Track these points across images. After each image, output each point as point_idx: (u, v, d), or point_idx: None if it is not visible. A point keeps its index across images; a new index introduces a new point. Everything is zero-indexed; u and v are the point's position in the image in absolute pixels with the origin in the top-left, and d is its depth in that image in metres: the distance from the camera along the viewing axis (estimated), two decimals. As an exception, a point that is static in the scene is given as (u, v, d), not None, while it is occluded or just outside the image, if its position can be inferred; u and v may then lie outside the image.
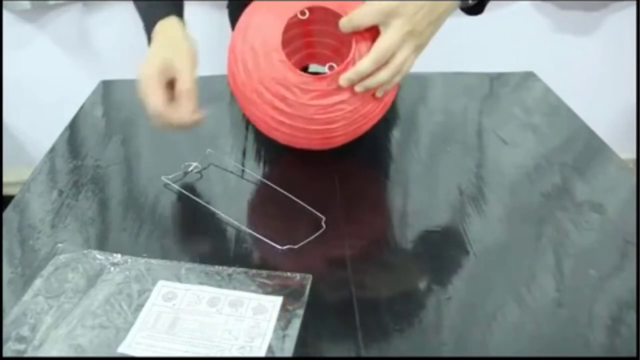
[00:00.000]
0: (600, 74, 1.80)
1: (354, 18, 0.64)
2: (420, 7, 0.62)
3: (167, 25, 0.77)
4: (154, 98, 0.69)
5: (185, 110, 0.68)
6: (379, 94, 0.68)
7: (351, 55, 0.65)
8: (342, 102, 0.66)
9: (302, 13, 0.68)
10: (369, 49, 0.64)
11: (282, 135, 0.71)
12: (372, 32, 0.65)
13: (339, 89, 0.65)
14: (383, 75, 0.64)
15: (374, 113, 0.70)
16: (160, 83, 0.69)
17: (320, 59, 0.81)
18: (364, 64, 0.63)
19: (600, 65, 1.79)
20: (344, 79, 0.64)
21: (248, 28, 0.69)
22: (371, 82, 0.65)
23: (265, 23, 0.68)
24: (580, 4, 1.70)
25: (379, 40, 0.63)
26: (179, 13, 0.81)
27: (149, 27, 0.78)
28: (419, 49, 0.65)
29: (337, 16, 0.66)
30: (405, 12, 0.62)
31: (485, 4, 0.73)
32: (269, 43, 0.66)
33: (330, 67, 0.66)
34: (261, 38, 0.67)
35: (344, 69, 0.64)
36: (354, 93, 0.66)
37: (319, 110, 0.66)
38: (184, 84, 0.69)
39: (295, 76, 0.65)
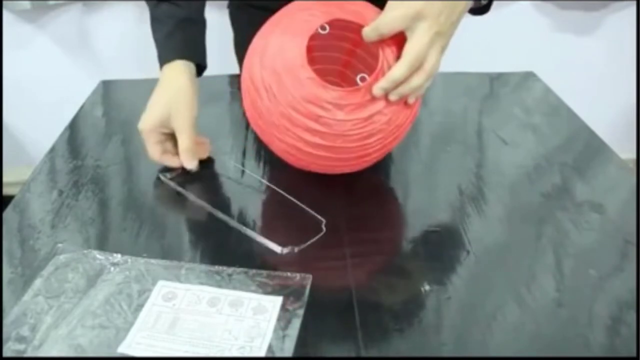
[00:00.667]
0: (600, 74, 1.80)
1: (380, 26, 0.62)
2: (444, 7, 0.61)
3: (172, 72, 0.78)
4: (150, 151, 0.75)
5: (186, 165, 0.74)
6: (411, 101, 0.65)
7: (380, 64, 0.63)
8: (377, 113, 0.63)
9: (323, 28, 0.65)
10: (395, 56, 0.63)
11: (316, 160, 0.67)
12: (398, 39, 0.63)
13: (373, 100, 0.63)
14: (417, 80, 0.62)
15: (406, 122, 0.68)
16: (157, 138, 0.75)
17: (328, 74, 0.76)
18: (398, 70, 0.61)
19: (600, 65, 1.79)
20: (377, 89, 0.62)
21: (265, 52, 0.65)
22: (405, 88, 0.63)
23: (285, 43, 0.64)
24: (580, 4, 1.70)
25: (409, 44, 0.62)
26: (194, 51, 0.80)
27: (160, 65, 0.79)
28: (444, 50, 0.64)
29: (352, 28, 0.65)
30: (431, 13, 0.61)
31: (491, 3, 0.73)
32: (293, 62, 0.63)
33: (362, 79, 0.64)
34: (283, 59, 0.63)
35: (376, 79, 0.62)
36: (388, 103, 0.63)
37: (355, 125, 0.63)
38: (182, 144, 0.74)
39: (328, 92, 0.62)
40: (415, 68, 0.62)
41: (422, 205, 0.70)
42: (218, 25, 1.30)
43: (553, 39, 1.76)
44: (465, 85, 0.99)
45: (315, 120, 0.63)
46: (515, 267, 0.60)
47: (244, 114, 0.72)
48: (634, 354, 0.50)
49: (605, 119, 1.34)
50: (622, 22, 1.73)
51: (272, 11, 0.69)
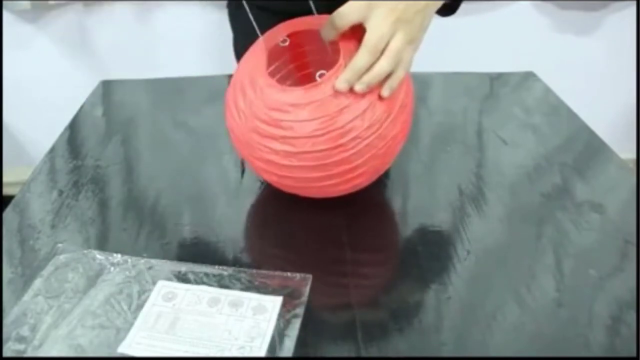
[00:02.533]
0: (600, 74, 1.80)
1: (334, 19, 0.60)
2: None
3: None
4: None
5: None
6: (384, 94, 0.60)
7: (341, 59, 0.60)
8: (345, 108, 0.59)
9: (283, 41, 0.65)
10: (357, 48, 0.59)
11: (295, 174, 0.63)
12: (358, 34, 0.60)
13: (337, 95, 0.59)
14: (381, 65, 0.58)
15: (388, 122, 0.61)
16: None
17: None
18: (358, 58, 0.58)
19: (600, 65, 1.79)
20: (340, 81, 0.58)
21: (236, 73, 0.66)
22: (370, 76, 0.59)
23: (249, 58, 0.65)
24: (580, 4, 1.70)
25: (368, 32, 0.59)
26: None
27: None
28: (414, 41, 0.61)
29: (314, 36, 0.64)
30: (387, 2, 0.58)
31: (459, 4, 0.72)
32: (254, 74, 0.62)
33: (321, 75, 0.61)
34: (247, 74, 0.63)
35: (336, 73, 0.59)
36: (356, 97, 0.59)
37: (322, 124, 0.59)
38: None
39: (287, 94, 0.60)
40: (377, 54, 0.58)
41: (422, 205, 0.70)
42: (218, 25, 1.31)
43: (553, 39, 1.76)
44: (465, 85, 0.99)
45: (279, 126, 0.60)
46: (515, 267, 0.60)
47: (257, 171, 0.71)
48: (634, 354, 0.50)
49: (605, 119, 1.34)
50: (622, 22, 1.73)
51: (272, 11, 0.69)
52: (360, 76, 0.59)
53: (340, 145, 0.60)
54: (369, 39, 0.59)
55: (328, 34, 0.62)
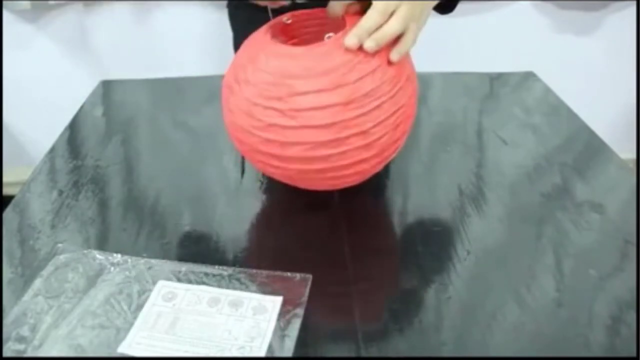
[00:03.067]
0: (600, 74, 1.80)
1: None
2: None
3: None
4: None
5: None
6: (394, 57, 0.59)
7: (348, 27, 0.59)
8: (356, 64, 0.58)
9: (287, 19, 0.65)
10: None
11: (295, 143, 0.60)
12: (363, 12, 0.60)
13: (347, 52, 0.58)
14: (393, 24, 0.58)
15: (397, 92, 0.60)
16: None
17: None
18: (369, 17, 0.58)
19: (600, 65, 1.79)
20: (350, 36, 0.58)
21: (235, 57, 0.65)
22: (381, 33, 0.58)
23: (249, 43, 0.65)
24: (580, 4, 1.70)
25: (375, 2, 0.59)
26: None
27: None
28: (415, 21, 0.61)
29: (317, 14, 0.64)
30: None
31: (456, 3, 0.72)
32: (257, 46, 0.62)
33: (330, 37, 0.61)
34: (249, 51, 0.63)
35: (345, 34, 0.58)
36: (365, 56, 0.58)
37: (330, 80, 0.57)
38: None
39: (294, 51, 0.59)
40: (386, 16, 0.59)
41: (422, 205, 0.70)
42: (218, 25, 1.31)
43: (553, 39, 1.76)
44: (465, 85, 0.99)
45: (284, 84, 0.58)
46: (515, 267, 0.60)
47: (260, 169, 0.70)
48: (634, 354, 0.50)
49: (605, 119, 1.34)
50: (622, 22, 1.73)
51: (272, 11, 0.69)
52: (369, 35, 0.59)
53: (352, 102, 0.58)
54: (378, 2, 0.59)
55: (334, 9, 0.62)
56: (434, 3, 0.65)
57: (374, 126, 0.59)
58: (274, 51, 0.61)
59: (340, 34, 0.59)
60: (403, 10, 0.59)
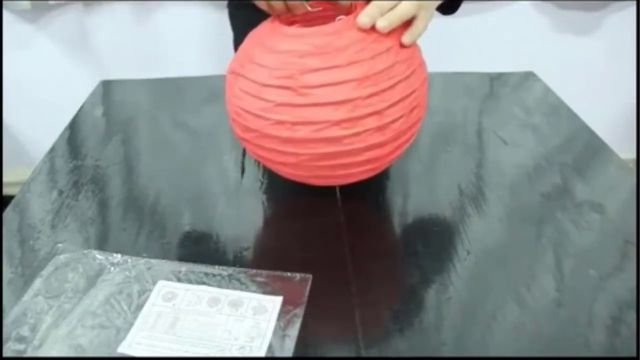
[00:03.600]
0: (600, 74, 1.80)
1: None
2: None
3: None
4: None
5: None
6: (406, 39, 0.60)
7: (357, 12, 0.59)
8: (370, 42, 0.58)
9: (312, 6, 0.64)
10: None
11: (304, 123, 0.58)
12: None
13: (361, 30, 0.58)
14: (406, 5, 0.59)
15: (410, 75, 0.60)
16: None
17: None
18: None
19: (600, 65, 1.79)
20: (363, 15, 0.58)
21: (240, 48, 0.65)
22: (395, 13, 0.59)
23: (255, 32, 0.65)
24: (580, 4, 1.70)
25: None
26: None
27: None
28: (425, 9, 0.61)
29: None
30: None
31: (459, 3, 0.72)
32: (266, 33, 0.62)
33: (340, 19, 0.61)
34: (256, 38, 0.63)
35: (356, 16, 0.58)
36: (378, 36, 0.58)
37: (347, 55, 0.57)
38: None
39: (307, 31, 0.59)
40: None
41: (422, 205, 0.70)
42: (218, 25, 1.31)
43: (553, 39, 1.76)
44: (465, 85, 0.99)
45: (296, 62, 0.58)
46: (515, 267, 0.60)
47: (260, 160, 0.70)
48: (634, 354, 0.50)
49: (605, 119, 1.34)
50: (622, 22, 1.73)
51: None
52: (382, 14, 0.59)
53: (365, 79, 0.57)
54: None
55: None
56: (434, 7, 0.64)
57: (389, 107, 0.58)
58: (283, 33, 0.60)
59: (352, 15, 0.59)
60: None
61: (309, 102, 0.57)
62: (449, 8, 0.73)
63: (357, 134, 0.58)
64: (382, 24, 0.58)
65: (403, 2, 0.60)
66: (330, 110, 0.57)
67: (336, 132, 0.58)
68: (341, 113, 0.57)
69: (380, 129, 0.59)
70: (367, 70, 0.57)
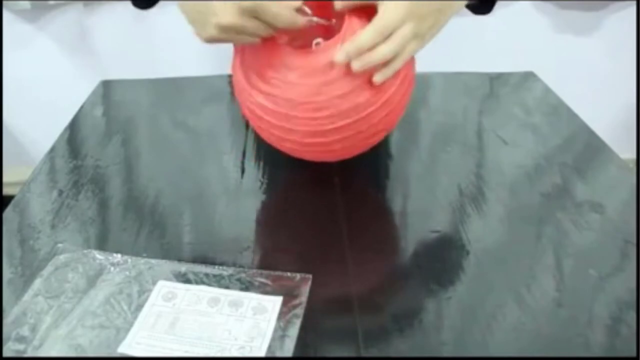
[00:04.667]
0: (600, 74, 1.80)
1: None
2: None
3: None
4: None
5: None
6: (377, 79, 0.60)
7: (343, 31, 0.60)
8: (329, 83, 0.59)
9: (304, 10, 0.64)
10: (362, 27, 0.59)
11: (274, 131, 0.65)
12: (368, 12, 0.60)
13: (327, 67, 0.59)
14: (384, 49, 0.58)
15: (368, 110, 0.61)
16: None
17: None
18: (365, 35, 0.57)
19: (600, 65, 1.79)
20: (341, 53, 0.57)
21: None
22: (371, 57, 0.58)
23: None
24: (580, 4, 1.70)
25: (380, 12, 0.58)
26: None
27: None
28: (419, 38, 0.60)
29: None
30: None
31: (494, 3, 0.71)
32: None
33: (317, 44, 0.62)
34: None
35: (334, 45, 0.59)
36: (344, 74, 0.59)
37: (305, 91, 0.59)
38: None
39: (281, 52, 0.61)
40: (382, 37, 0.58)
41: (422, 205, 0.70)
42: (218, 25, 1.29)
43: (553, 39, 1.76)
44: (465, 85, 0.99)
45: (267, 81, 0.62)
46: (515, 267, 0.60)
47: (244, 114, 0.72)
48: (634, 354, 0.50)
49: (605, 119, 1.34)
50: (622, 22, 1.73)
51: None
52: (360, 53, 0.58)
53: (316, 118, 0.61)
54: (379, 19, 0.58)
55: (341, 5, 0.61)
56: (448, 18, 0.63)
57: (336, 139, 0.63)
58: (266, 46, 0.62)
59: (328, 43, 0.60)
60: (406, 29, 0.58)
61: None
62: (482, 8, 0.72)
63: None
64: (357, 64, 0.58)
65: (386, 43, 0.58)
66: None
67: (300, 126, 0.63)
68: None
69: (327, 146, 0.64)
70: (314, 111, 0.61)
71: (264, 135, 0.68)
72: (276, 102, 0.62)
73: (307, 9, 0.61)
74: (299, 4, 0.60)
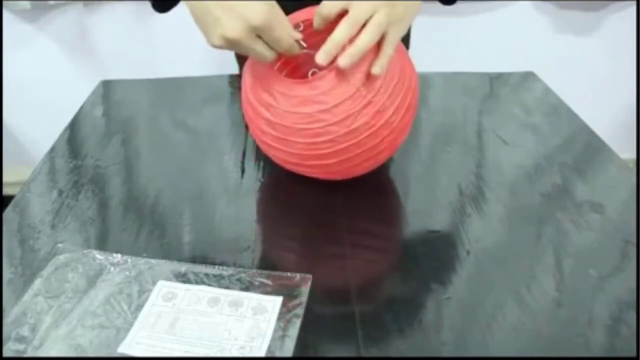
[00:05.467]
0: (600, 74, 1.80)
1: (321, 9, 0.61)
2: None
3: None
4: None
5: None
6: (375, 71, 0.60)
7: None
8: (324, 111, 0.60)
9: (297, 26, 0.65)
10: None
11: (273, 151, 0.67)
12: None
13: (323, 96, 0.60)
14: (362, 38, 0.58)
15: (365, 134, 0.62)
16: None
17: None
18: (337, 29, 0.58)
19: (600, 65, 1.79)
20: (321, 54, 0.58)
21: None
22: (354, 48, 0.58)
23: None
24: (580, 4, 1.70)
25: (349, 9, 0.59)
26: None
27: None
28: (396, 24, 0.60)
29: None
30: None
31: None
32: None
33: (313, 73, 0.63)
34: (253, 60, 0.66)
35: (329, 74, 0.60)
36: (339, 102, 0.60)
37: (301, 120, 0.61)
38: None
39: (278, 82, 0.63)
40: (357, 27, 0.58)
41: (422, 205, 0.70)
42: (218, 25, 1.29)
43: (553, 39, 1.76)
44: (465, 85, 0.99)
45: (267, 108, 0.63)
46: (515, 267, 0.60)
47: (243, 114, 0.72)
48: (634, 354, 0.50)
49: (605, 119, 1.34)
50: (622, 22, 1.73)
51: None
52: (339, 48, 0.58)
53: (316, 143, 0.62)
54: (350, 13, 0.59)
55: (317, 23, 0.62)
56: (418, 2, 0.63)
57: (337, 161, 0.64)
58: (265, 73, 0.64)
59: (322, 74, 0.61)
60: (379, 16, 0.58)
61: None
62: None
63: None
64: (344, 60, 0.58)
65: (364, 32, 0.58)
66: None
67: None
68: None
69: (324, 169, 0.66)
70: (314, 137, 0.63)
71: (269, 155, 0.69)
72: (275, 128, 0.63)
73: (303, 43, 0.63)
74: (298, 36, 0.62)
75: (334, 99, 0.60)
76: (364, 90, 0.60)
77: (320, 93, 0.60)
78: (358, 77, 0.60)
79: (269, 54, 0.61)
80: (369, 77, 0.61)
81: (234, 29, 0.58)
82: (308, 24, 0.65)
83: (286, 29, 0.61)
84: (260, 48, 0.60)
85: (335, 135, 0.61)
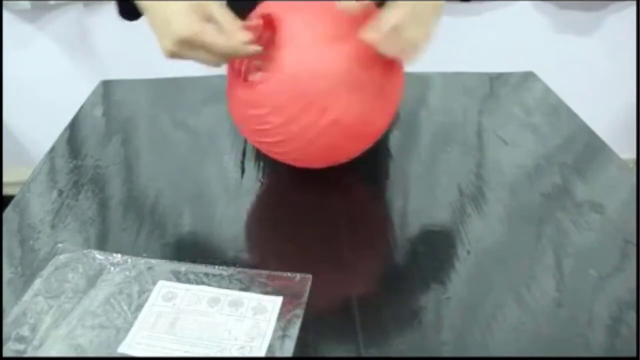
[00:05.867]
0: (600, 74, 1.80)
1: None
2: None
3: None
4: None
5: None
6: (368, 36, 0.60)
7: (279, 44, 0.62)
8: (271, 112, 0.63)
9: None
10: (302, 27, 0.62)
11: (258, 145, 0.72)
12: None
13: (267, 97, 0.62)
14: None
15: (315, 130, 0.62)
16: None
17: None
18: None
19: (600, 65, 1.79)
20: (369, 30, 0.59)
21: None
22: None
23: None
24: (580, 4, 1.70)
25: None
26: None
27: None
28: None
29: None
30: None
31: None
32: None
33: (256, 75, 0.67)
34: None
35: (273, 76, 0.62)
36: (283, 102, 0.61)
37: (254, 121, 0.65)
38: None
39: (232, 86, 0.66)
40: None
41: (422, 205, 0.70)
42: (218, 25, 1.29)
43: (553, 39, 1.76)
44: (465, 85, 0.99)
45: (231, 112, 0.68)
46: (515, 267, 0.60)
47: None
48: (634, 354, 0.50)
49: (605, 119, 1.34)
50: (622, 22, 1.73)
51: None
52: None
53: (271, 143, 0.66)
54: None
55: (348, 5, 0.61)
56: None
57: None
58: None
59: (265, 76, 0.63)
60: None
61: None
62: None
63: None
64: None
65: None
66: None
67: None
68: None
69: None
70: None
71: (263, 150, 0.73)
72: (241, 128, 0.69)
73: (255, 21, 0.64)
74: (246, 38, 0.60)
75: (279, 100, 0.62)
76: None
77: (267, 95, 0.62)
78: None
79: (216, 61, 0.61)
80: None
81: (164, 46, 0.59)
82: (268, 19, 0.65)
83: (217, 33, 0.59)
84: (203, 56, 0.60)
85: (288, 136, 0.63)
